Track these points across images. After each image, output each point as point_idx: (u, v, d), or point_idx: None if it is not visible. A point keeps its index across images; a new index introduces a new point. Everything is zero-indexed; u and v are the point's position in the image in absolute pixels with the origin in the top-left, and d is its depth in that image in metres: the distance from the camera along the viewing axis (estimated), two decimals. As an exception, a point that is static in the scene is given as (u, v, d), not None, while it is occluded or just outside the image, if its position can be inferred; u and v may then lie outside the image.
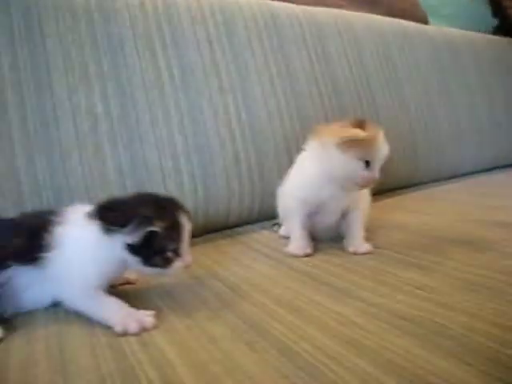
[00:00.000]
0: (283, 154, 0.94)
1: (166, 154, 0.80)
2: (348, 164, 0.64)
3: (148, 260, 0.49)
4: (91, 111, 0.76)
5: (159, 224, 0.47)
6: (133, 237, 0.47)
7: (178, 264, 0.50)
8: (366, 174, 0.64)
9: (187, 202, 0.81)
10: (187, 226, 0.51)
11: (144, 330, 0.45)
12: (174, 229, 0.49)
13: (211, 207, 0.85)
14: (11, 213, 0.65)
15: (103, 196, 0.70)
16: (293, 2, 1.16)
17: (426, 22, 1.62)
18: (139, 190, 0.56)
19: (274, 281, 0.57)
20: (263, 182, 0.91)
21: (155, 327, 0.46)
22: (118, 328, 0.45)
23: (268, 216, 0.93)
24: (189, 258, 0.51)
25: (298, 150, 0.95)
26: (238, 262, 0.66)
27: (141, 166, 0.78)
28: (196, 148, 0.84)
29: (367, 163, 0.64)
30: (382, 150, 0.66)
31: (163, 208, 0.50)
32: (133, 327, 0.45)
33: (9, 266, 0.49)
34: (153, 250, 0.48)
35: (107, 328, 0.46)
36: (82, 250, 0.49)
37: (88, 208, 0.51)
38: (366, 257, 0.67)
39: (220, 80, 0.90)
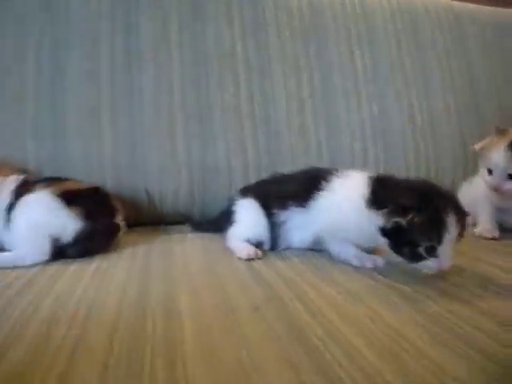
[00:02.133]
0: (459, 148, 0.98)
1: (356, 136, 0.91)
2: (482, 170, 0.75)
3: (396, 247, 0.50)
4: (299, 96, 0.89)
5: (415, 218, 0.47)
6: (383, 221, 0.50)
7: (429, 264, 0.49)
8: (488, 180, 0.72)
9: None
10: (454, 229, 0.48)
11: (376, 266, 0.55)
12: (434, 227, 0.47)
13: (388, 189, 0.93)
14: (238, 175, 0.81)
15: (304, 166, 0.83)
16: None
17: None
18: (422, 178, 0.61)
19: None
20: (438, 174, 0.96)
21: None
22: (356, 262, 0.56)
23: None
24: (445, 262, 0.48)
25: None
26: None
27: (335, 144, 0.89)
28: (381, 133, 0.92)
29: (490, 171, 0.72)
30: (498, 160, 0.71)
31: (430, 203, 0.48)
32: (369, 263, 0.55)
33: (288, 207, 0.61)
34: (403, 240, 0.49)
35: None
36: (346, 206, 0.55)
37: (368, 174, 0.57)
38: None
39: (404, 75, 0.98)
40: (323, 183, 0.58)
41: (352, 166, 0.88)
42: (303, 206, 0.60)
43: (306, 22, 0.94)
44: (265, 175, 0.82)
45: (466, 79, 1.04)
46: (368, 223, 0.52)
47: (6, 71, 0.76)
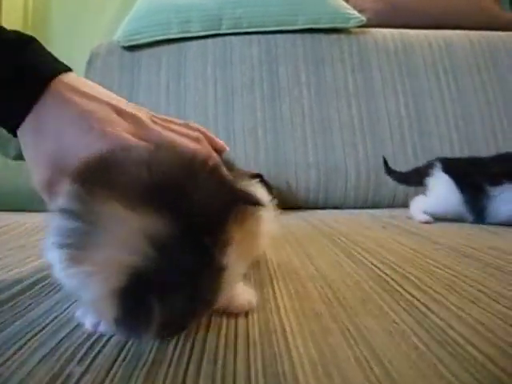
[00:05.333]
0: (491, 138, 1.17)
1: (445, 142, 1.15)
2: None
3: None
4: (398, 114, 1.17)
5: None
6: None
7: None
8: None
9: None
10: None
11: None
12: None
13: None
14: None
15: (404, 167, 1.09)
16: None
17: None
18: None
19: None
20: None
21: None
22: None
23: None
24: None
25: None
26: None
27: (429, 150, 1.14)
28: (467, 141, 1.16)
29: None
30: None
31: None
32: None
33: (502, 183, 0.71)
34: None
35: None
36: None
37: None
38: None
39: (486, 96, 1.21)
40: None
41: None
42: None
43: (400, 60, 1.23)
44: (372, 174, 1.11)
45: (498, 90, 1.21)
46: None
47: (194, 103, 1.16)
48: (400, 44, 1.26)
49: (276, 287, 0.35)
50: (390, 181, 1.11)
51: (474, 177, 0.75)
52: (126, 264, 0.21)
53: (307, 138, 1.13)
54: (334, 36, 1.26)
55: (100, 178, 0.23)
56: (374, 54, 1.23)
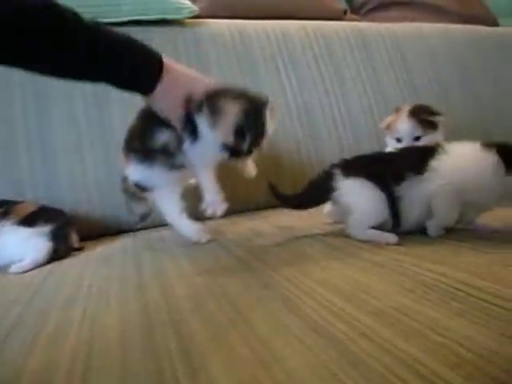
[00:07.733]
0: (374, 137, 1.22)
1: (289, 139, 1.13)
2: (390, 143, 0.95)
3: None
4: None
5: None
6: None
7: None
8: (399, 147, 0.88)
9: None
10: None
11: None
12: None
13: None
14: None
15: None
16: (375, 21, 1.45)
17: (496, 25, 1.80)
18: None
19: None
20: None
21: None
22: None
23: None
24: None
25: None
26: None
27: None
28: (310, 134, 1.15)
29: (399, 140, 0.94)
30: (404, 127, 0.91)
31: None
32: None
33: (404, 179, 0.61)
34: None
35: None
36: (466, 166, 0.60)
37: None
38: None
39: (325, 86, 1.22)
40: (433, 153, 0.62)
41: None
42: (419, 174, 0.61)
43: (239, 53, 1.16)
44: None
45: (376, 86, 1.28)
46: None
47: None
48: (238, 35, 1.20)
49: None
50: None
51: (382, 176, 0.63)
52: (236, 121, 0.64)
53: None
54: (166, 28, 1.14)
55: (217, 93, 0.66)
56: (211, 48, 1.15)
